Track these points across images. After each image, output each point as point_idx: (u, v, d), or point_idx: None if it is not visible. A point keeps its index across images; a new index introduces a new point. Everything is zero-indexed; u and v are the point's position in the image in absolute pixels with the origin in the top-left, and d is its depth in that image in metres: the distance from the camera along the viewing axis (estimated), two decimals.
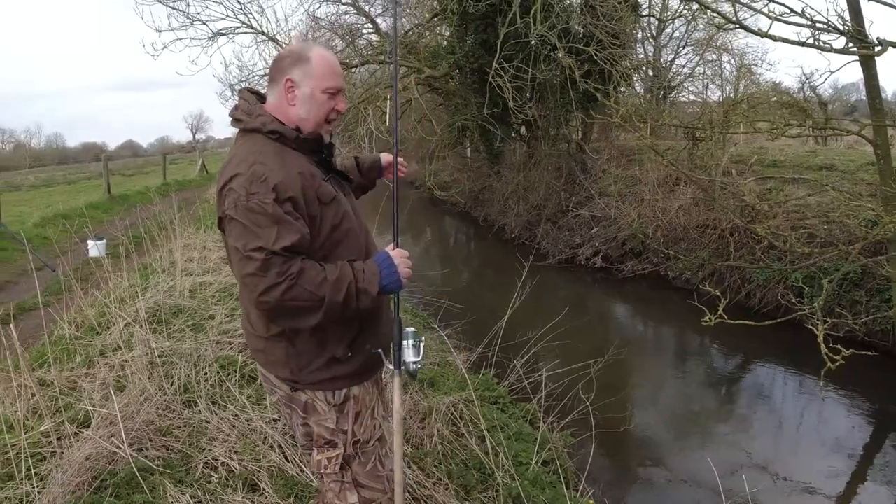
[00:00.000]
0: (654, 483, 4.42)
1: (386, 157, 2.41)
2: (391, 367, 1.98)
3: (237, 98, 2.02)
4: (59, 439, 3.01)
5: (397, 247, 1.98)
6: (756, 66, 15.69)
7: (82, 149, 64.20)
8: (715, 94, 15.59)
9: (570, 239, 11.20)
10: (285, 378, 1.98)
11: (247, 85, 12.27)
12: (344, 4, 14.63)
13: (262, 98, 2.00)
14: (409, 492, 2.93)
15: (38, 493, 2.55)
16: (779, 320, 5.31)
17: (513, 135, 14.43)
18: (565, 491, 3.20)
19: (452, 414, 3.76)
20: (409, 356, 1.95)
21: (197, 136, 66.39)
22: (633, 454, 4.62)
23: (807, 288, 7.03)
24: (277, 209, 1.72)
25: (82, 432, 3.03)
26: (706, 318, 4.30)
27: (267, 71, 2.02)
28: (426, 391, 4.16)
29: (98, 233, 9.02)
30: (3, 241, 9.10)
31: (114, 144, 71.29)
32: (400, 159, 2.22)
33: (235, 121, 1.95)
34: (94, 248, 8.45)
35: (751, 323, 4.70)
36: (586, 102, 12.25)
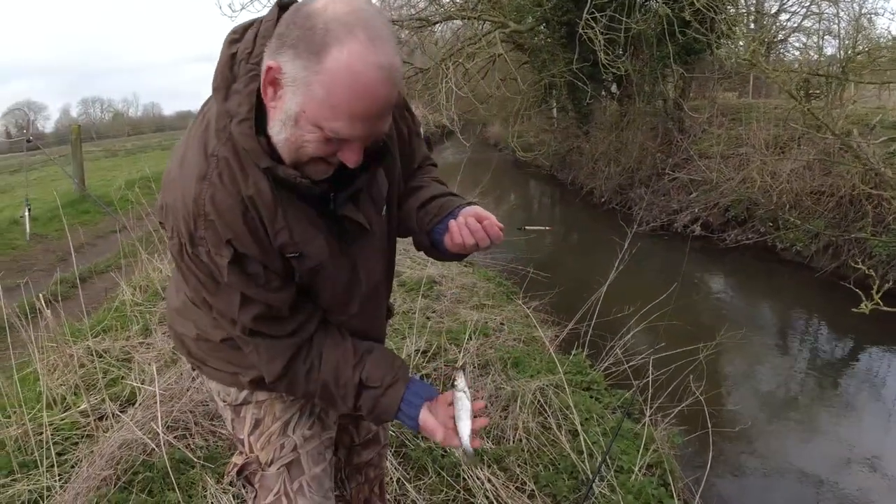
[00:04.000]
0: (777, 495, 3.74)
1: (475, 212, 1.32)
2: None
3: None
4: (99, 419, 2.70)
5: None
6: (877, 14, 13.95)
7: (177, 117, 67.15)
8: (829, 51, 14.03)
9: (665, 204, 10.34)
10: (185, 353, 1.52)
11: None
12: None
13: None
14: (486, 498, 2.47)
15: (61, 487, 2.22)
16: None
17: (603, 92, 13.52)
18: None
19: (540, 402, 3.26)
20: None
21: None
22: (753, 460, 3.92)
23: None
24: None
25: (124, 413, 2.71)
26: (862, 305, 3.53)
27: None
28: (509, 372, 3.68)
29: None
30: (85, 204, 9.22)
31: None
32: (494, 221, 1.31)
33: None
34: None
35: None
36: (685, 56, 11.25)
